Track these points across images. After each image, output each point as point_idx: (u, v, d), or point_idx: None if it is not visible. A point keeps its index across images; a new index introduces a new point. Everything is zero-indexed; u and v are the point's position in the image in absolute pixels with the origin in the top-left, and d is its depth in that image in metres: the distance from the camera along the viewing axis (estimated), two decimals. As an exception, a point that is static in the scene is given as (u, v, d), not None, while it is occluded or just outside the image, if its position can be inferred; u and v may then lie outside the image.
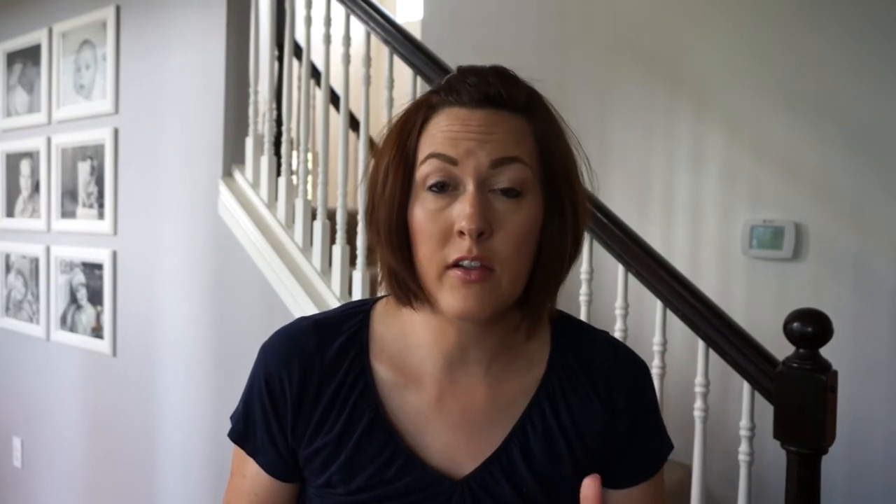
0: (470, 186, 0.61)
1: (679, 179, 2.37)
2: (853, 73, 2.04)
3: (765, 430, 1.40)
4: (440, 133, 0.63)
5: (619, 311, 1.59)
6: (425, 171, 0.63)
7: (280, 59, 2.26)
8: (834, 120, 2.07)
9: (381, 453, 0.68)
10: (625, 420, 0.72)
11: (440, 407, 0.69)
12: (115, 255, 2.64)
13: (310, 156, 2.55)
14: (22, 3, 3.07)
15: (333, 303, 1.94)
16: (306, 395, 0.69)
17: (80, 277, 2.79)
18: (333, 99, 2.50)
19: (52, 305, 2.92)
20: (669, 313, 1.50)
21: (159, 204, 2.47)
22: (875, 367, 1.99)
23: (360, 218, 1.89)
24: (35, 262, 3.00)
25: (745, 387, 1.39)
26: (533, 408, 0.70)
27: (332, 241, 2.02)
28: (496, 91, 0.64)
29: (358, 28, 2.01)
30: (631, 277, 1.55)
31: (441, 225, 0.62)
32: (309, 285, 2.01)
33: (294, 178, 2.24)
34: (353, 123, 2.89)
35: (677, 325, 1.55)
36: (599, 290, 1.86)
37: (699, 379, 1.46)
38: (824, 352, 1.26)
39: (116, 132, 2.62)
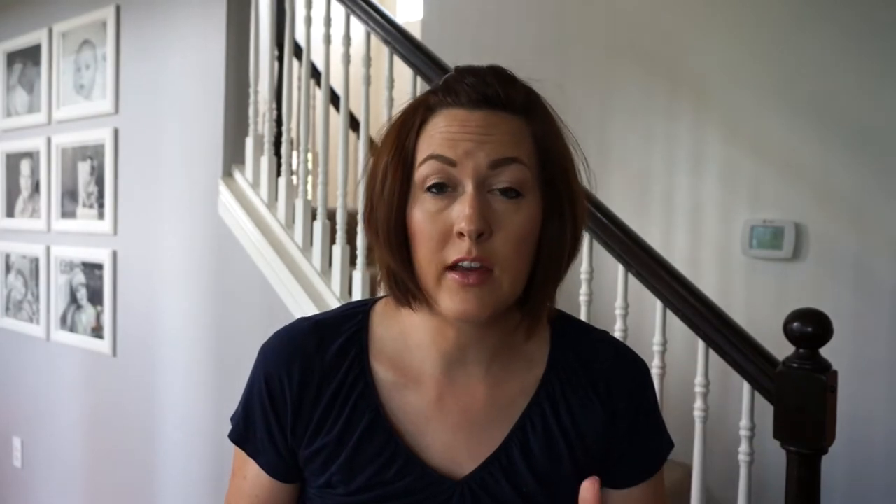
0: (469, 187, 0.61)
1: (679, 179, 2.37)
2: (853, 74, 2.04)
3: (765, 430, 1.40)
4: (439, 134, 0.63)
5: (619, 311, 1.59)
6: (424, 172, 0.63)
7: (280, 59, 2.26)
8: (834, 120, 2.07)
9: (381, 454, 0.68)
10: (625, 420, 0.72)
11: (440, 407, 0.69)
12: (115, 255, 2.64)
13: (310, 156, 2.55)
14: (22, 3, 3.07)
15: (333, 303, 1.94)
16: (306, 395, 0.69)
17: (80, 277, 2.79)
18: (333, 99, 2.50)
19: (52, 305, 2.92)
20: (669, 313, 1.50)
21: (159, 204, 2.47)
22: (875, 366, 1.99)
23: (360, 218, 1.89)
24: (35, 262, 3.00)
25: (745, 387, 1.39)
26: (533, 408, 0.70)
27: (332, 241, 2.02)
28: (494, 92, 0.64)
29: (358, 28, 2.01)
30: (631, 277, 1.55)
31: (440, 226, 0.62)
32: (309, 285, 2.01)
33: (294, 178, 2.24)
34: (353, 123, 2.89)
35: (677, 325, 1.55)
36: (599, 290, 1.86)
37: (699, 379, 1.46)
38: (824, 352, 1.26)
39: (116, 132, 2.62)
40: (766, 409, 1.34)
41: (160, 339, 2.48)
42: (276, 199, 2.15)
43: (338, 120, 2.56)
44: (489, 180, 0.62)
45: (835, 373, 1.26)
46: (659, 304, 1.51)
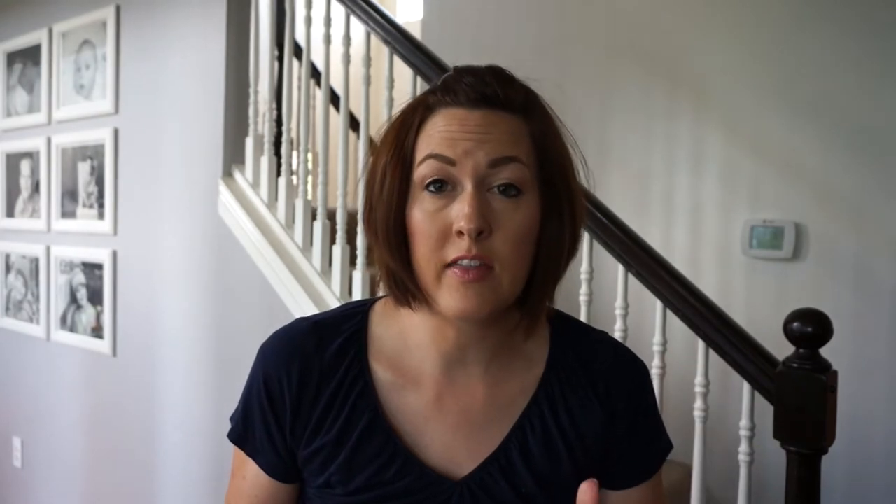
0: (468, 186, 0.61)
1: (679, 179, 2.37)
2: (853, 74, 2.04)
3: (765, 430, 1.40)
4: (438, 133, 0.63)
5: (619, 311, 1.59)
6: (423, 171, 0.63)
7: (280, 59, 2.26)
8: (834, 120, 2.07)
9: (380, 454, 0.68)
10: (624, 421, 0.72)
11: (439, 407, 0.69)
12: (115, 255, 2.64)
13: (310, 156, 2.55)
14: (22, 3, 3.07)
15: (333, 303, 1.94)
16: (305, 395, 0.69)
17: (80, 277, 2.79)
18: (333, 99, 2.50)
19: (52, 305, 2.92)
20: (669, 313, 1.50)
21: (159, 204, 2.47)
22: (875, 366, 1.98)
23: (360, 218, 1.89)
24: (35, 262, 3.00)
25: (745, 387, 1.39)
26: (532, 408, 0.70)
27: (332, 241, 2.02)
28: (493, 91, 0.64)
29: (358, 28, 2.01)
30: (631, 277, 1.55)
31: (439, 225, 0.62)
32: (309, 285, 2.01)
33: (294, 178, 2.24)
34: (353, 123, 2.89)
35: (677, 325, 1.55)
36: (599, 290, 1.86)
37: (699, 379, 1.46)
38: (824, 352, 1.26)
39: (116, 132, 2.62)
40: (766, 409, 1.34)
41: (160, 339, 2.48)
42: (276, 199, 2.15)
43: (338, 120, 2.56)
44: (488, 179, 0.62)
45: (835, 373, 1.26)
46: (659, 304, 1.51)
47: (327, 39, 2.02)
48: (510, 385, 0.71)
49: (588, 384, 0.72)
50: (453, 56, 1.48)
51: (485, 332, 0.68)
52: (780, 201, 2.16)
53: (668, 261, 1.53)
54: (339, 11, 2.01)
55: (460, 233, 0.60)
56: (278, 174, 2.17)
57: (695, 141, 2.34)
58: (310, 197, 2.13)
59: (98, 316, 2.72)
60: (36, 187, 3.00)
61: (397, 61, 1.90)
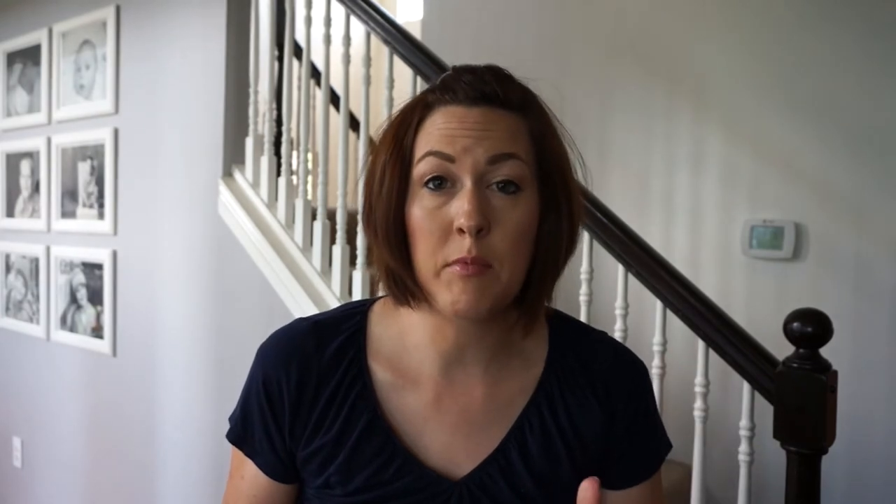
0: (468, 183, 0.61)
1: (679, 179, 2.37)
2: (853, 74, 2.04)
3: (765, 430, 1.40)
4: (437, 131, 0.63)
5: (619, 311, 1.59)
6: (422, 168, 0.63)
7: (280, 59, 2.26)
8: (834, 120, 2.07)
9: (379, 454, 0.68)
10: (623, 421, 0.72)
11: (438, 407, 0.69)
12: (115, 254, 2.64)
13: (310, 156, 2.55)
14: (22, 3, 3.07)
15: (333, 303, 1.94)
16: (304, 395, 0.69)
17: (80, 277, 2.79)
18: (333, 99, 2.50)
19: (52, 305, 2.92)
20: (669, 313, 1.50)
21: (159, 204, 2.47)
22: (875, 366, 1.98)
23: (360, 217, 1.89)
24: (35, 262, 3.00)
25: (745, 387, 1.39)
26: (531, 408, 0.70)
27: (332, 241, 2.02)
28: (492, 89, 0.64)
29: (358, 28, 2.01)
30: (631, 277, 1.55)
31: (439, 222, 0.62)
32: (309, 285, 2.01)
33: (294, 178, 2.24)
34: (353, 123, 2.89)
35: (677, 325, 1.55)
36: (599, 290, 1.85)
37: (699, 379, 1.46)
38: (824, 352, 1.26)
39: (116, 132, 2.62)
40: (766, 409, 1.33)
41: (160, 339, 2.48)
42: (276, 199, 2.15)
43: (338, 120, 2.56)
44: (487, 176, 0.62)
45: (835, 373, 1.26)
46: (659, 304, 1.51)
47: (327, 39, 2.02)
48: (509, 385, 0.71)
49: (587, 384, 0.72)
50: (453, 56, 1.48)
51: (484, 332, 0.68)
52: (780, 201, 2.16)
53: (668, 261, 1.53)
54: (339, 11, 2.01)
55: (460, 230, 0.60)
56: (278, 174, 2.17)
57: (695, 141, 2.34)
58: (310, 197, 2.13)
59: (98, 316, 2.72)
60: (36, 187, 3.00)
61: (397, 61, 1.90)
